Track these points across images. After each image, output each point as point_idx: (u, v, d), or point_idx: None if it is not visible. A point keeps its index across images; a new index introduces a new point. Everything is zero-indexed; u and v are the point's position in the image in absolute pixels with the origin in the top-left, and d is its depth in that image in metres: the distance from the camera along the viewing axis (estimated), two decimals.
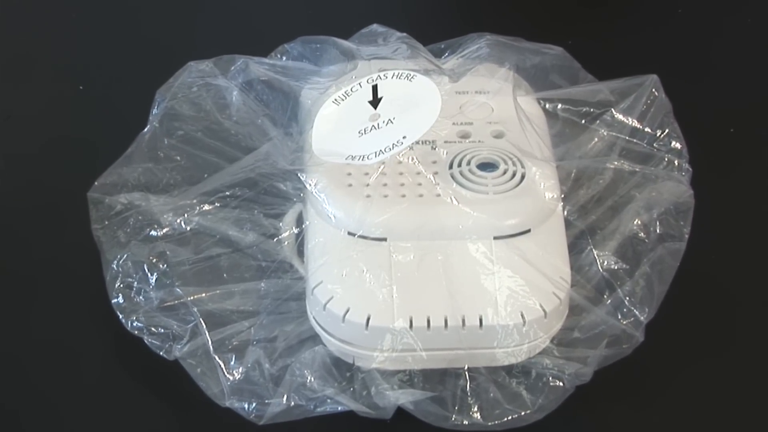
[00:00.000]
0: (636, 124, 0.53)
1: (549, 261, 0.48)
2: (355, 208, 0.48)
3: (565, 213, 0.51)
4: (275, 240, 0.51)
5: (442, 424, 0.47)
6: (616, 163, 0.52)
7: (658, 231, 0.51)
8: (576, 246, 0.51)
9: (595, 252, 0.51)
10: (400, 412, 0.47)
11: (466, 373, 0.48)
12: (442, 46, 0.56)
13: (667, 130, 0.53)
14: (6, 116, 0.61)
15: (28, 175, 0.58)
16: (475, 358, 0.48)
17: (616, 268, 0.50)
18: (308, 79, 0.54)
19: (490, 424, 0.47)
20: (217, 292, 0.50)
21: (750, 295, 0.54)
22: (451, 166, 0.50)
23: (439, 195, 0.49)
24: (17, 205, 0.57)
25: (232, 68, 0.54)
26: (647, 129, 0.53)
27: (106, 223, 0.51)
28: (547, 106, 0.54)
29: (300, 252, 0.50)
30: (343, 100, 0.52)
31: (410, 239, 0.48)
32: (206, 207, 0.52)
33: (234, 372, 0.48)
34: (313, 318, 0.49)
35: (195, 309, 0.49)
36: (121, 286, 0.50)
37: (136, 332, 0.49)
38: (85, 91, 0.62)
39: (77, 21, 0.66)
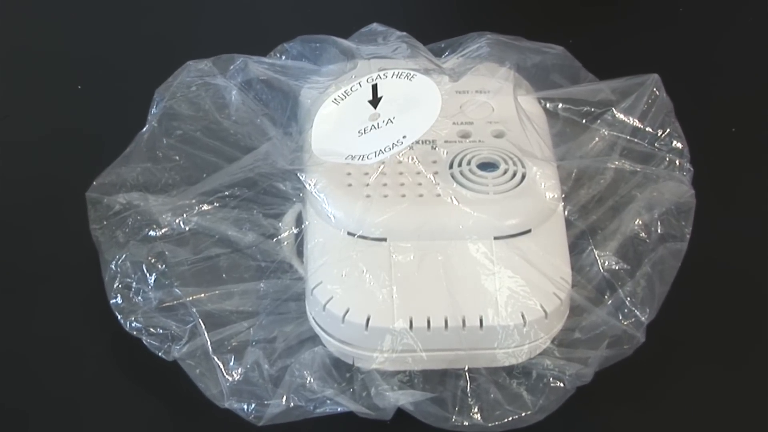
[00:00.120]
0: (637, 123, 0.53)
1: (550, 261, 0.48)
2: (355, 208, 0.48)
3: (566, 213, 0.51)
4: (275, 240, 0.51)
5: (443, 425, 0.47)
6: (617, 162, 0.52)
7: (659, 231, 0.51)
8: (577, 246, 0.51)
9: (596, 252, 0.51)
10: (400, 413, 0.47)
11: (467, 373, 0.48)
12: (443, 46, 0.56)
13: (668, 130, 0.53)
14: (4, 115, 0.61)
15: (26, 174, 0.58)
16: (476, 359, 0.48)
17: (617, 268, 0.50)
18: (308, 78, 0.54)
19: (490, 425, 0.47)
20: (216, 292, 0.50)
21: (751, 295, 0.54)
22: (451, 166, 0.50)
23: (439, 195, 0.49)
24: (16, 204, 0.57)
25: (231, 67, 0.54)
26: (648, 128, 0.53)
27: (105, 223, 0.51)
28: (548, 105, 0.54)
29: (299, 252, 0.50)
30: (342, 99, 0.52)
31: (410, 239, 0.48)
32: (205, 207, 0.52)
33: (233, 373, 0.48)
34: (313, 318, 0.49)
35: (194, 309, 0.49)
36: (120, 286, 0.50)
37: (134, 333, 0.49)
38: (84, 91, 0.62)
39: (76, 20, 0.66)
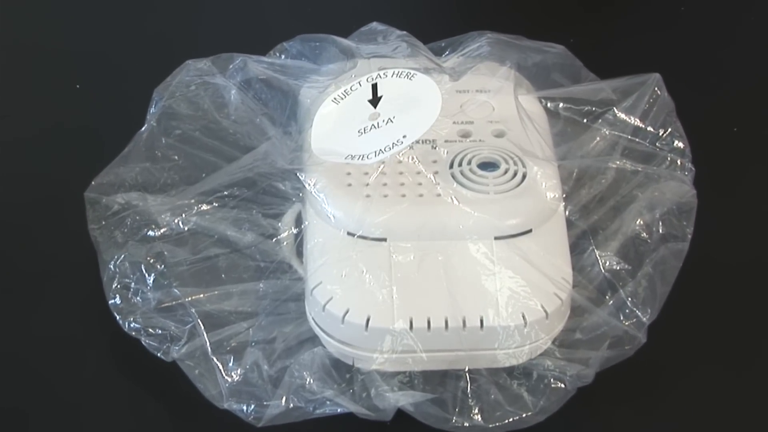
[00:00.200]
0: (638, 123, 0.53)
1: (550, 261, 0.48)
2: (355, 208, 0.48)
3: (567, 213, 0.51)
4: (274, 240, 0.51)
5: (443, 426, 0.47)
6: (618, 162, 0.52)
7: (660, 231, 0.50)
8: (578, 246, 0.51)
9: (597, 252, 0.50)
10: (400, 414, 0.47)
11: (467, 374, 0.48)
12: (443, 45, 0.56)
13: (669, 129, 0.53)
14: (3, 115, 0.61)
15: (24, 174, 0.58)
16: (476, 360, 0.48)
17: (618, 268, 0.50)
18: (307, 77, 0.53)
19: (490, 426, 0.47)
20: (216, 292, 0.50)
21: (753, 295, 0.54)
22: (451, 166, 0.50)
23: (439, 195, 0.49)
24: (14, 204, 0.57)
25: (231, 67, 0.53)
26: (650, 128, 0.53)
27: (103, 223, 0.51)
28: (549, 104, 0.54)
29: (299, 252, 0.50)
30: (342, 98, 0.52)
31: (410, 239, 0.48)
32: (204, 207, 0.52)
33: (232, 373, 0.48)
34: (312, 319, 0.48)
35: (193, 310, 0.49)
36: (119, 286, 0.50)
37: (133, 333, 0.49)
38: (82, 90, 0.62)
39: (75, 19, 0.66)
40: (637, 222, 0.51)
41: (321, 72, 0.54)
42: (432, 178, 0.49)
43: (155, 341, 0.49)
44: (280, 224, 0.51)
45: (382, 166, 0.49)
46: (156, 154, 0.53)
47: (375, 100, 0.52)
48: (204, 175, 0.52)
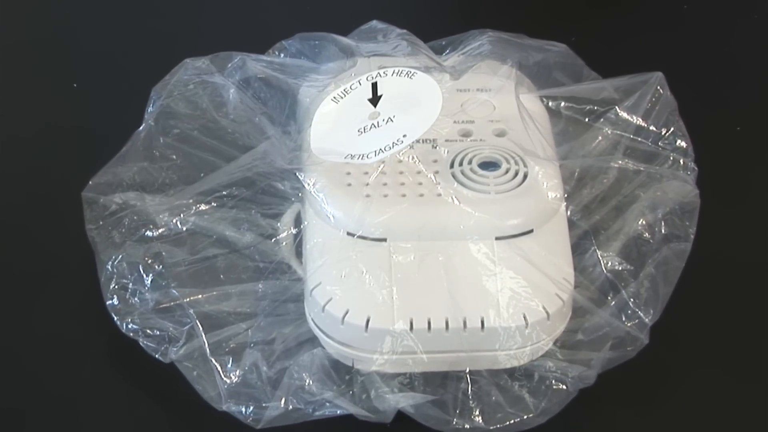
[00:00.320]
0: (641, 122, 0.53)
1: (552, 262, 0.48)
2: (355, 208, 0.48)
3: (569, 213, 0.51)
4: (273, 240, 0.51)
5: (443, 428, 0.47)
6: (620, 162, 0.52)
7: (663, 231, 0.50)
8: (579, 246, 0.51)
9: (598, 253, 0.50)
10: (401, 415, 0.47)
11: (468, 376, 0.48)
12: (443, 43, 0.56)
13: (672, 129, 0.53)
14: None
15: (21, 173, 0.58)
16: (477, 361, 0.48)
17: (620, 269, 0.50)
18: (307, 76, 0.53)
19: (491, 428, 0.47)
20: (214, 293, 0.50)
21: (756, 296, 0.54)
22: (452, 165, 0.49)
23: (440, 195, 0.49)
24: (11, 204, 0.57)
25: (229, 65, 0.53)
26: (652, 127, 0.53)
27: (101, 223, 0.51)
28: (550, 104, 0.54)
29: (298, 253, 0.50)
30: (342, 97, 0.52)
31: (410, 240, 0.48)
32: (203, 207, 0.52)
33: (231, 375, 0.47)
34: (312, 320, 0.48)
35: (191, 311, 0.49)
36: (116, 287, 0.50)
37: (131, 334, 0.49)
38: (80, 89, 0.62)
39: (73, 18, 0.66)
40: (640, 222, 0.51)
41: (320, 71, 0.54)
42: (432, 177, 0.49)
43: (153, 342, 0.49)
44: (279, 224, 0.51)
45: (382, 166, 0.49)
46: (154, 153, 0.53)
47: (375, 99, 0.51)
48: (202, 174, 0.52)
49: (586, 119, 0.54)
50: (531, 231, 0.48)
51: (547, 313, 0.47)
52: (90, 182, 0.52)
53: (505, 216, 0.48)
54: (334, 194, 0.49)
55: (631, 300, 0.49)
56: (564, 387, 0.48)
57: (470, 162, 0.49)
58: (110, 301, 0.49)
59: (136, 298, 0.49)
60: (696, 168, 0.52)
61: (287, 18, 0.65)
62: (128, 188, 0.52)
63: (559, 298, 0.47)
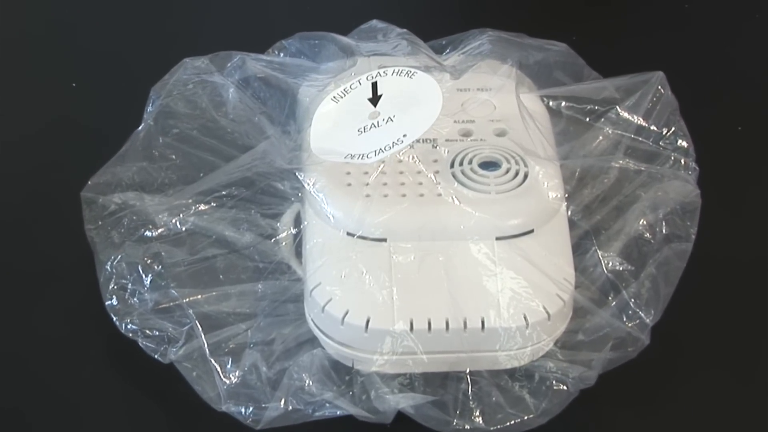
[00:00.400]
0: (641, 122, 0.53)
1: (552, 262, 0.48)
2: (355, 208, 0.48)
3: (569, 213, 0.51)
4: (273, 241, 0.51)
5: (444, 428, 0.47)
6: (621, 161, 0.52)
7: (664, 231, 0.50)
8: (580, 247, 0.51)
9: (599, 253, 0.50)
10: (401, 416, 0.47)
11: (468, 376, 0.48)
12: (444, 42, 0.56)
13: (673, 128, 0.53)
14: None
15: (20, 173, 0.58)
16: (477, 362, 0.48)
17: (621, 269, 0.50)
18: (306, 76, 0.53)
19: (492, 428, 0.47)
20: (213, 293, 0.50)
21: (758, 297, 0.54)
22: (452, 165, 0.49)
23: (440, 194, 0.48)
24: (10, 204, 0.57)
25: (229, 65, 0.53)
26: (653, 127, 0.53)
27: (100, 223, 0.51)
28: (551, 103, 0.54)
29: (298, 253, 0.50)
30: (342, 97, 0.52)
31: (411, 240, 0.48)
32: (202, 207, 0.51)
33: (230, 375, 0.47)
34: (312, 320, 0.48)
35: (190, 311, 0.49)
36: (115, 287, 0.50)
37: (130, 335, 0.49)
38: (78, 89, 0.62)
39: (71, 17, 0.66)
40: (640, 222, 0.51)
41: (320, 70, 0.54)
42: (433, 177, 0.49)
43: (152, 343, 0.48)
44: (278, 224, 0.51)
45: (382, 166, 0.49)
46: (153, 153, 0.52)
47: (375, 99, 0.51)
48: (202, 174, 0.52)
49: (587, 119, 0.54)
50: (531, 231, 0.48)
51: (547, 313, 0.47)
52: (89, 182, 0.52)
53: (506, 216, 0.48)
54: (333, 194, 0.48)
55: (632, 300, 0.49)
56: (565, 387, 0.48)
57: (470, 162, 0.49)
58: (109, 302, 0.49)
59: (135, 299, 0.49)
60: (697, 168, 0.52)
61: (287, 17, 0.65)
62: (127, 188, 0.52)
63: (559, 298, 0.47)
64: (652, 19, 0.66)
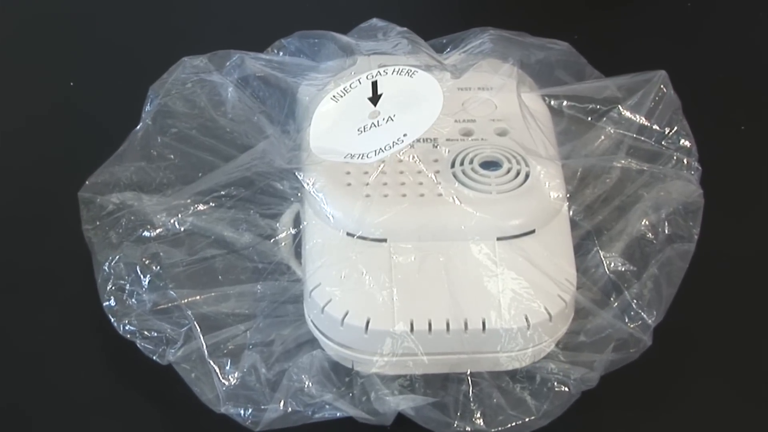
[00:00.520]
0: (644, 121, 0.53)
1: (554, 262, 0.48)
2: (355, 208, 0.48)
3: (571, 213, 0.51)
4: (272, 241, 0.51)
5: (444, 430, 0.47)
6: (623, 161, 0.52)
7: (666, 232, 0.50)
8: (582, 247, 0.50)
9: (601, 253, 0.50)
10: (401, 418, 0.47)
11: (469, 378, 0.48)
12: (444, 41, 0.56)
13: (675, 128, 0.53)
14: None
15: (18, 173, 0.58)
16: (478, 363, 0.48)
17: (623, 269, 0.50)
18: (306, 75, 0.53)
19: (493, 430, 0.47)
20: (212, 294, 0.49)
21: (760, 297, 0.54)
22: (453, 165, 0.49)
23: (440, 194, 0.48)
24: (7, 203, 0.57)
25: (228, 64, 0.53)
26: (655, 126, 0.53)
27: (98, 223, 0.51)
28: (552, 102, 0.54)
29: (297, 253, 0.50)
30: (341, 96, 0.52)
31: (411, 240, 0.48)
32: (201, 207, 0.51)
33: (229, 377, 0.47)
34: (311, 321, 0.48)
35: (189, 312, 0.49)
36: (113, 288, 0.49)
37: (128, 336, 0.49)
38: (76, 88, 0.62)
39: (69, 17, 0.66)
40: (643, 222, 0.50)
41: (320, 69, 0.54)
42: (433, 177, 0.49)
43: (151, 344, 0.48)
44: (278, 224, 0.51)
45: (382, 166, 0.49)
46: (151, 153, 0.52)
47: (375, 98, 0.51)
48: (200, 174, 0.52)
49: (589, 118, 0.54)
50: (533, 231, 0.48)
51: (549, 314, 0.47)
52: (87, 182, 0.52)
53: (507, 216, 0.48)
54: (333, 194, 0.48)
55: (634, 301, 0.49)
56: (566, 389, 0.47)
57: (471, 161, 0.49)
58: (107, 303, 0.49)
59: (133, 300, 0.49)
60: (700, 168, 0.52)
61: (286, 16, 0.65)
62: (125, 188, 0.52)
63: (561, 299, 0.47)
64: (654, 18, 0.66)
